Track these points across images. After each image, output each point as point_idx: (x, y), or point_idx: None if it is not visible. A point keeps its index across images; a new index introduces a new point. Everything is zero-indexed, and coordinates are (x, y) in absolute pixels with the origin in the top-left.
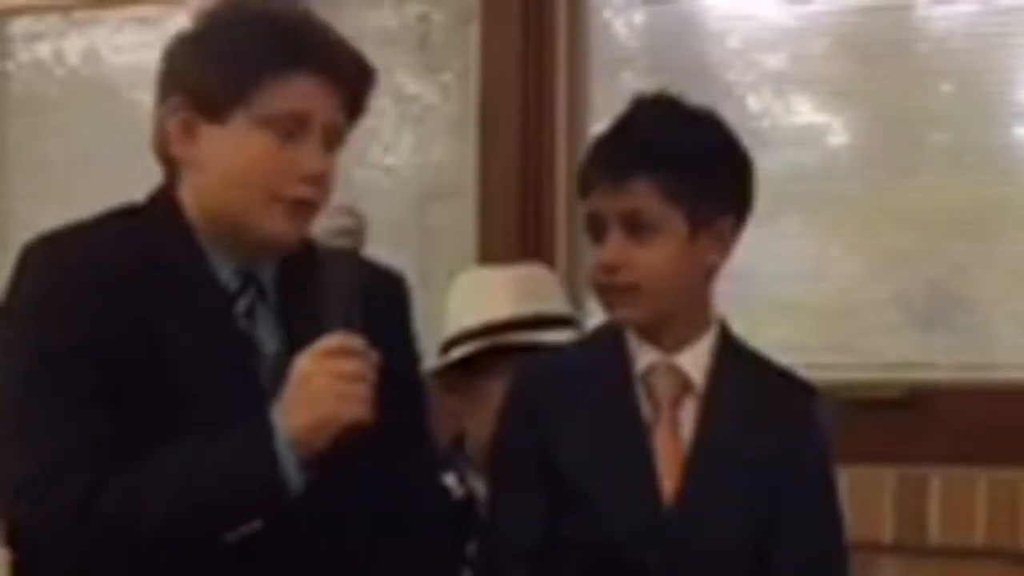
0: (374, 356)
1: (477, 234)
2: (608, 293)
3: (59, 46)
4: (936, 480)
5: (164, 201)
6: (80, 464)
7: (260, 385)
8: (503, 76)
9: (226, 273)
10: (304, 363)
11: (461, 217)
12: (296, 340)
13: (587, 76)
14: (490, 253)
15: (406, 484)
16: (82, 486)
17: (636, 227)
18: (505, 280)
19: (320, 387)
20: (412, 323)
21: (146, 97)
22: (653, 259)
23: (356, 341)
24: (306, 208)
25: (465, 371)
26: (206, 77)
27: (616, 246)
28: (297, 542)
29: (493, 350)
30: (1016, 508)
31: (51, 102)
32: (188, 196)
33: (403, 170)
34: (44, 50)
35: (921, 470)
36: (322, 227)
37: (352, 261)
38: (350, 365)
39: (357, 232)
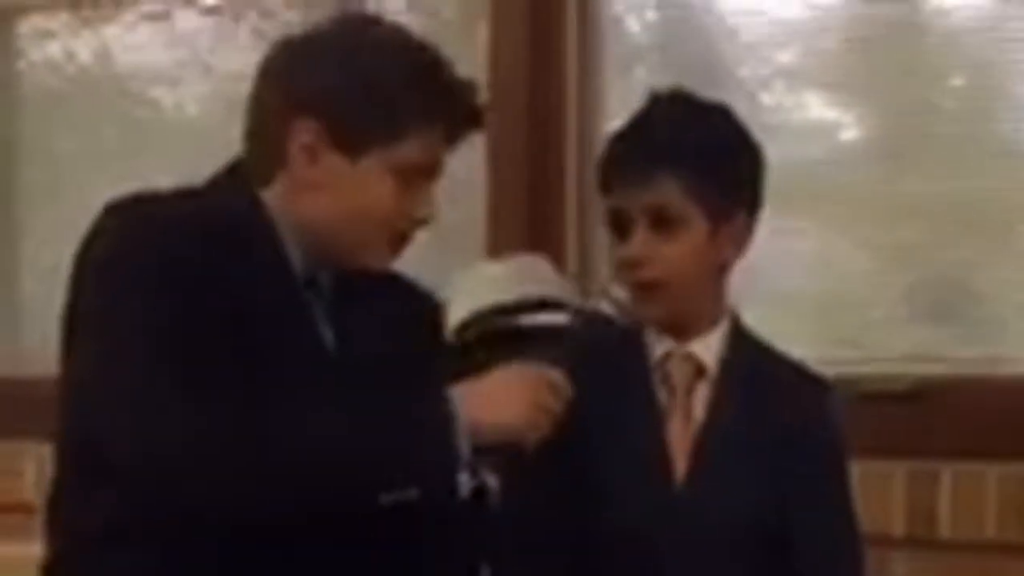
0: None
1: (487, 232)
2: (633, 289)
3: (69, 44)
4: (947, 474)
5: (243, 191)
6: (222, 398)
7: (320, 375)
8: (512, 73)
9: (298, 270)
10: (516, 372)
11: (471, 216)
12: (344, 345)
13: (598, 73)
14: (501, 251)
15: None
16: (233, 422)
17: (661, 222)
18: (493, 271)
19: (521, 399)
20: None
21: (156, 93)
22: (678, 254)
23: (569, 385)
24: (407, 243)
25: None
26: (350, 112)
27: (641, 241)
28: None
29: (479, 340)
30: None
31: (62, 99)
32: (283, 201)
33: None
34: (55, 48)
35: (931, 464)
36: (613, 292)
37: (608, 326)
38: (554, 400)
39: (628, 313)
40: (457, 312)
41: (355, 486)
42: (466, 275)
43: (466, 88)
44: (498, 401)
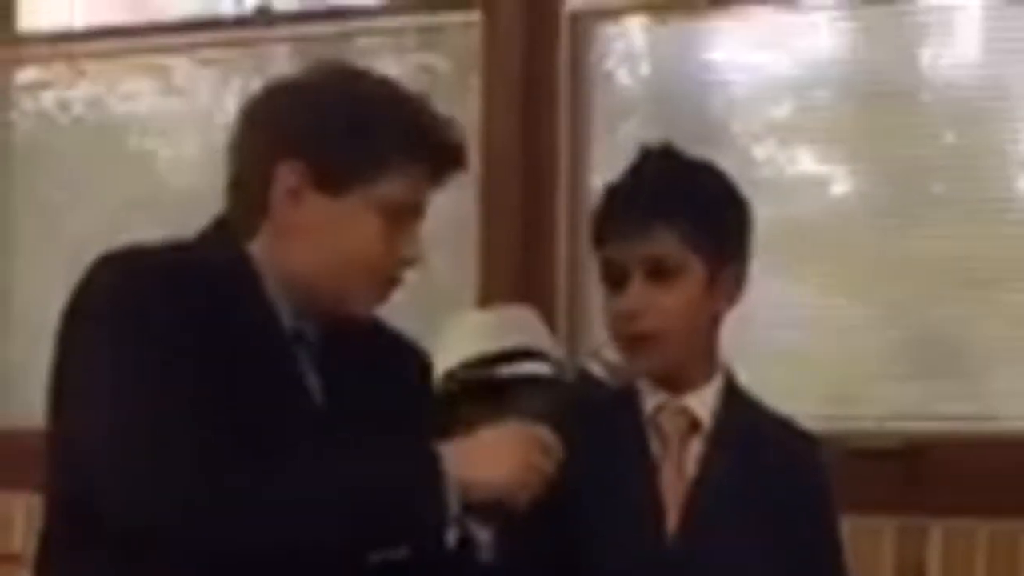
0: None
1: (479, 284)
2: (629, 342)
3: (64, 95)
4: (936, 530)
5: (226, 243)
6: (218, 454)
7: (307, 429)
8: (505, 125)
9: (284, 320)
10: (508, 431)
11: (463, 265)
12: (332, 398)
13: (588, 126)
14: (492, 303)
15: None
16: (229, 478)
17: (659, 273)
18: (478, 320)
19: (514, 458)
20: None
21: (150, 143)
22: (674, 304)
23: (560, 445)
24: (396, 286)
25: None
26: (332, 152)
27: (638, 293)
28: None
29: (463, 391)
30: (1016, 559)
31: (56, 149)
32: (268, 250)
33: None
34: (49, 98)
35: (921, 520)
36: (604, 354)
37: (601, 390)
38: (546, 461)
39: (619, 376)
40: (443, 362)
41: (345, 546)
42: (452, 325)
43: (447, 126)
44: (489, 459)
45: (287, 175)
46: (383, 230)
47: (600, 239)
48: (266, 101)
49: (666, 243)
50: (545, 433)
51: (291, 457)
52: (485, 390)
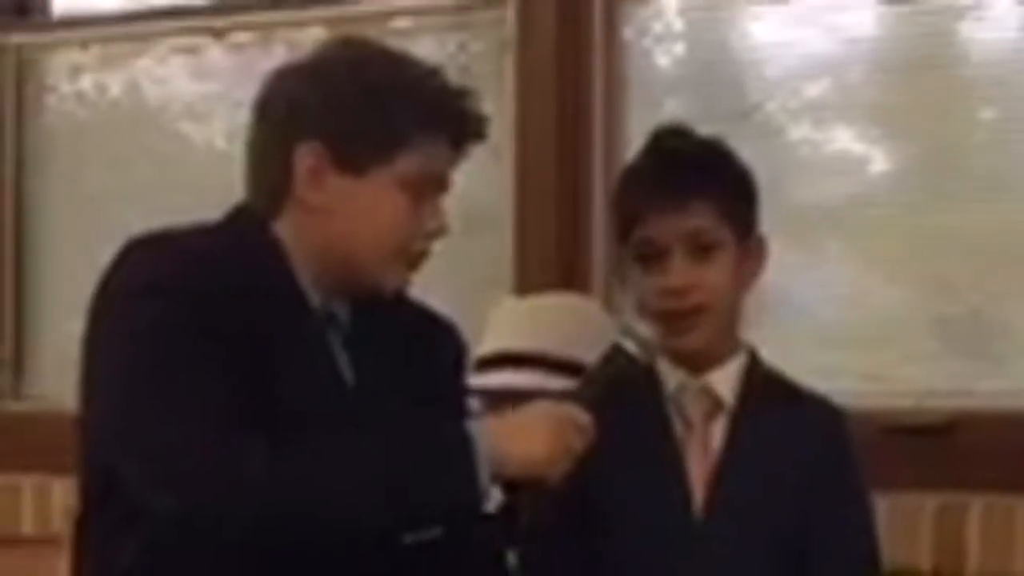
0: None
1: (514, 264)
2: (675, 319)
3: (101, 78)
4: (976, 508)
5: (253, 227)
6: (248, 436)
7: (339, 410)
8: (539, 106)
9: (315, 304)
10: (544, 408)
11: (499, 247)
12: (365, 378)
13: (624, 106)
14: (527, 283)
15: None
16: (261, 454)
17: (699, 247)
18: (518, 311)
19: (547, 436)
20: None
21: (187, 127)
22: (717, 277)
23: (592, 425)
24: (423, 260)
25: None
26: (352, 132)
27: (682, 269)
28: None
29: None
30: None
31: (93, 133)
32: (295, 232)
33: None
34: (86, 82)
35: (960, 498)
36: (636, 330)
37: (630, 367)
38: (579, 440)
39: (651, 351)
40: (484, 347)
41: (375, 526)
42: (497, 310)
43: (463, 96)
44: (523, 436)
45: (305, 156)
46: (407, 205)
47: (634, 219)
48: (279, 84)
49: (703, 216)
50: (579, 412)
51: (321, 438)
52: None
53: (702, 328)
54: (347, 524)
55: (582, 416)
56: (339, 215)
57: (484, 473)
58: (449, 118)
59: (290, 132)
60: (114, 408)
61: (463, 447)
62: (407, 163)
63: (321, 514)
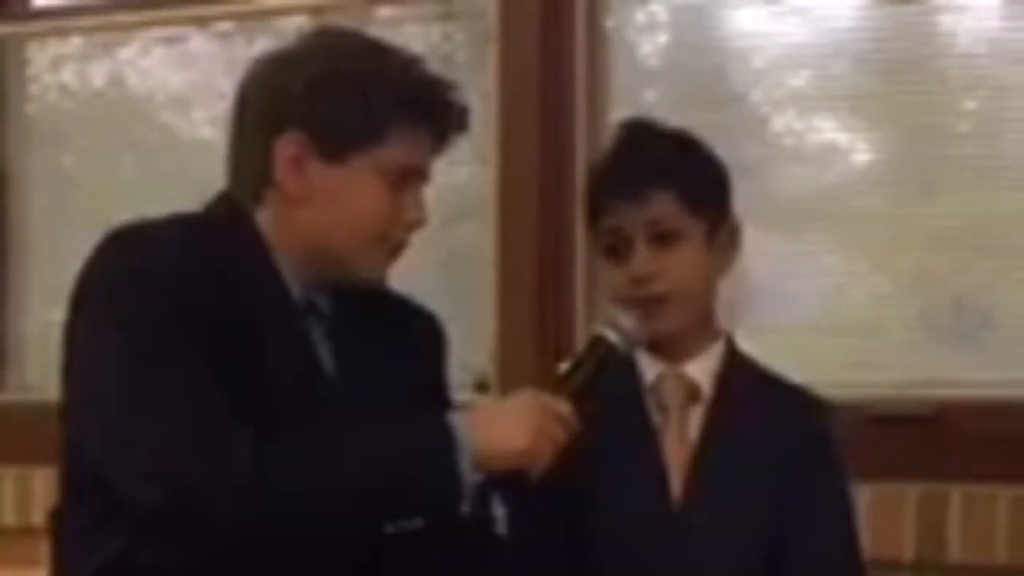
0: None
1: (496, 256)
2: (641, 306)
3: (82, 68)
4: (957, 497)
5: (234, 217)
6: (234, 428)
7: (319, 401)
8: (522, 96)
9: (296, 294)
10: (526, 399)
11: (482, 237)
12: (346, 369)
13: (606, 96)
14: (511, 276)
15: None
16: (249, 450)
17: (662, 236)
18: None
19: (530, 425)
20: (448, 365)
21: (169, 117)
22: (681, 266)
23: (573, 416)
24: (402, 250)
25: None
26: (333, 121)
27: (646, 257)
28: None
29: None
30: None
31: (74, 124)
32: (276, 221)
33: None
34: (68, 72)
35: (942, 487)
36: (618, 321)
37: (611, 361)
38: (561, 429)
39: (633, 342)
40: None
41: (355, 521)
42: None
43: (445, 87)
44: (504, 427)
45: (286, 146)
46: (387, 194)
47: (598, 210)
48: (260, 73)
49: (664, 206)
50: (560, 404)
51: (301, 432)
52: None
53: (669, 316)
54: (329, 520)
55: (563, 406)
56: (319, 204)
57: (465, 466)
58: (430, 108)
59: (271, 122)
60: (98, 401)
61: (444, 440)
62: (388, 152)
63: (305, 510)
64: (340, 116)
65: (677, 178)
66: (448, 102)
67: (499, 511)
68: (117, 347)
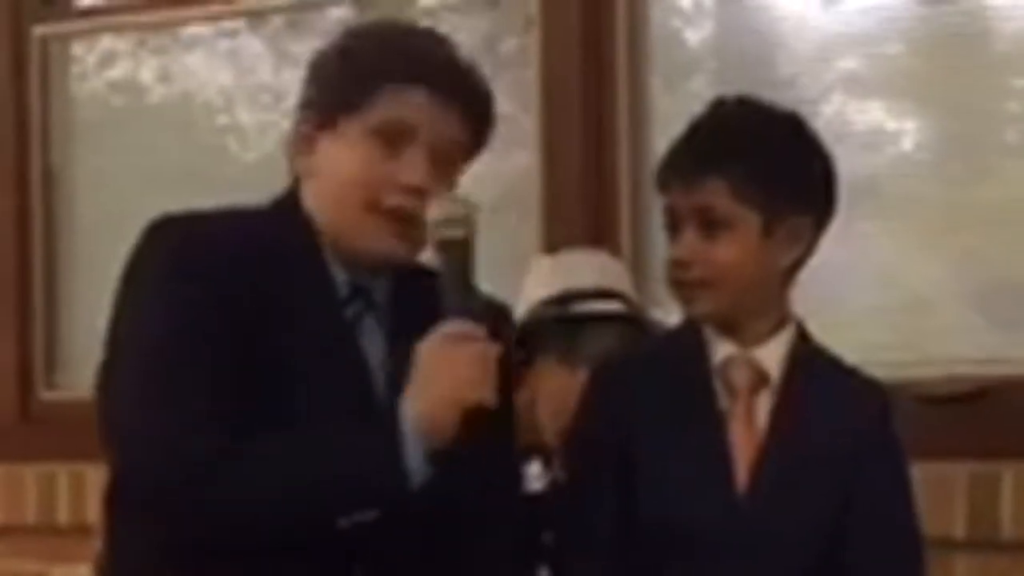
0: (493, 346)
1: (542, 237)
2: (681, 288)
3: (130, 67)
4: (1009, 475)
5: (289, 205)
6: (212, 428)
7: (361, 390)
8: (564, 84)
9: (340, 280)
10: (424, 350)
11: (527, 224)
12: (400, 359)
13: (648, 81)
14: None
15: (491, 482)
16: (212, 450)
17: (709, 224)
18: (555, 262)
19: (440, 372)
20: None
21: (214, 115)
22: (724, 256)
23: (474, 327)
24: (403, 219)
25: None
26: (327, 88)
27: (689, 243)
28: (394, 533)
29: (539, 329)
30: None
31: (122, 122)
32: (311, 204)
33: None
34: (116, 71)
35: (994, 466)
36: (431, 217)
37: (464, 249)
38: (469, 349)
39: (468, 220)
40: (524, 302)
41: (308, 518)
42: (532, 267)
43: (439, 46)
44: (426, 383)
45: (300, 126)
46: (377, 153)
47: (660, 186)
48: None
49: (714, 194)
50: (455, 325)
51: (283, 432)
52: (559, 327)
53: (705, 300)
54: (275, 516)
55: (456, 326)
56: (324, 172)
57: (411, 451)
58: (421, 67)
59: (299, 109)
60: (117, 395)
61: (389, 430)
62: (375, 112)
63: (250, 509)
64: (332, 85)
65: (731, 167)
66: (441, 62)
67: (532, 468)
68: (137, 339)
